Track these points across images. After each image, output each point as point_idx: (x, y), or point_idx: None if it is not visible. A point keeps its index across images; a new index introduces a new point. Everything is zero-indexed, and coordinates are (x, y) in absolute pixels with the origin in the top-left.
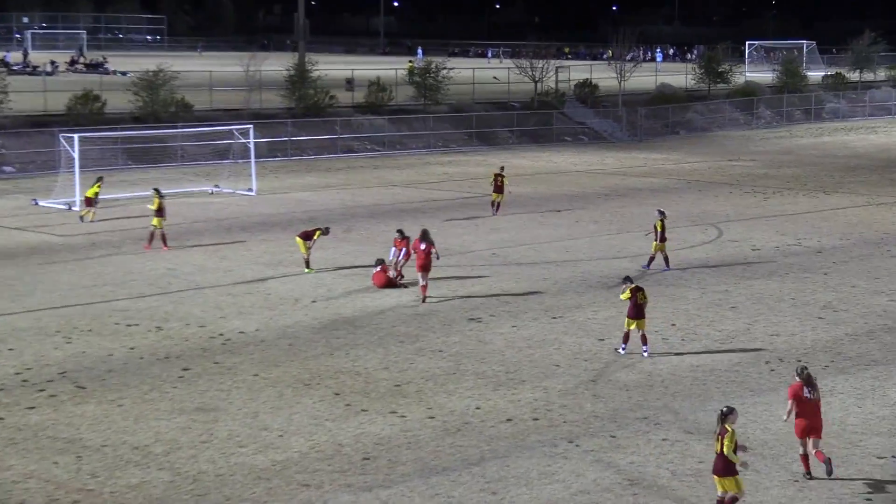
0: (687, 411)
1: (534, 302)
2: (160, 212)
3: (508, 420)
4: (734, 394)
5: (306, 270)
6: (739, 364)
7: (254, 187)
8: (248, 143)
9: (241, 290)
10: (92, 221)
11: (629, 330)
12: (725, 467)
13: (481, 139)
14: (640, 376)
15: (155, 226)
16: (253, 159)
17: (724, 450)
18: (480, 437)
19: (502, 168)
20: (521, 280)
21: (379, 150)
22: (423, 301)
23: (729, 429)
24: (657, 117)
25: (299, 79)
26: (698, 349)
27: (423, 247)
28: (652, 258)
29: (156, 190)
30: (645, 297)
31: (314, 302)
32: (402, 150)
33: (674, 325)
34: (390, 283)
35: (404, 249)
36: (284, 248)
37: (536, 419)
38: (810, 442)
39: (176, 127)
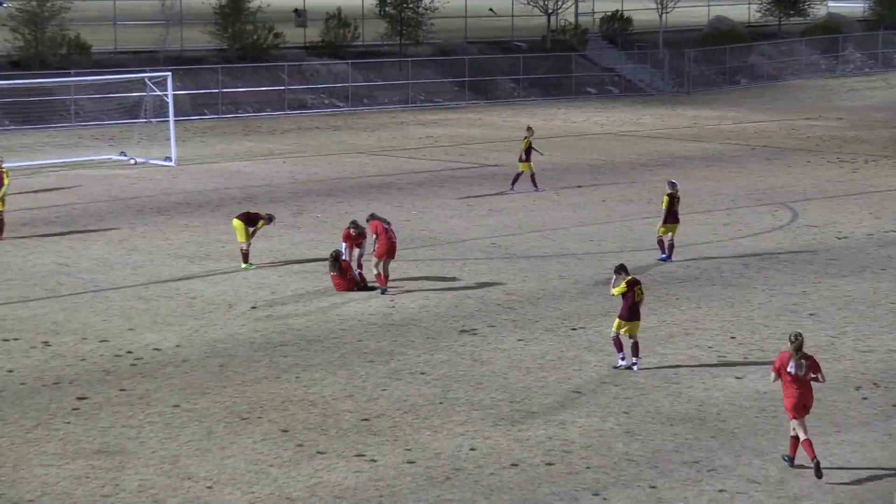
0: (750, 453)
1: (546, 308)
2: None
3: (513, 465)
4: (813, 429)
5: (244, 266)
6: (820, 390)
7: (173, 155)
8: (166, 96)
9: (157, 292)
10: None
11: (619, 334)
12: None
13: (476, 91)
14: (688, 406)
15: None
16: (172, 118)
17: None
18: (476, 488)
19: (530, 130)
20: (529, 279)
21: (340, 106)
22: (383, 292)
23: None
24: (710, 61)
25: (233, 10)
26: (765, 370)
27: (385, 227)
28: (670, 246)
29: None
30: (642, 294)
31: (254, 308)
32: (370, 106)
33: (733, 337)
34: (355, 284)
35: (358, 248)
36: (214, 237)
37: (550, 464)
38: (797, 423)
39: (68, 75)
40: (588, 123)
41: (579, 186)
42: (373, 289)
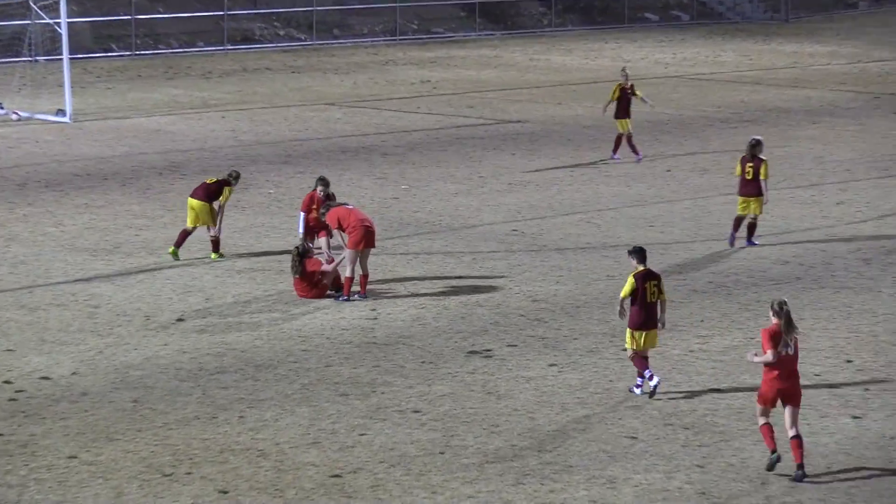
0: None
1: (589, 320)
2: None
3: None
4: None
5: (214, 256)
6: None
7: (68, 108)
8: (58, 25)
9: (45, 298)
10: None
11: (636, 352)
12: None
13: (490, 17)
14: (787, 457)
15: None
16: (66, 56)
17: None
18: None
19: (625, 73)
20: (563, 279)
21: (301, 39)
22: (361, 295)
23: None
24: None
25: None
26: (895, 407)
27: (350, 209)
28: (751, 225)
29: None
30: (662, 293)
31: (181, 320)
32: (343, 39)
33: (850, 361)
34: (323, 288)
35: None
36: (125, 221)
37: None
38: (786, 412)
39: None
40: (646, 63)
41: (634, 153)
42: (344, 296)
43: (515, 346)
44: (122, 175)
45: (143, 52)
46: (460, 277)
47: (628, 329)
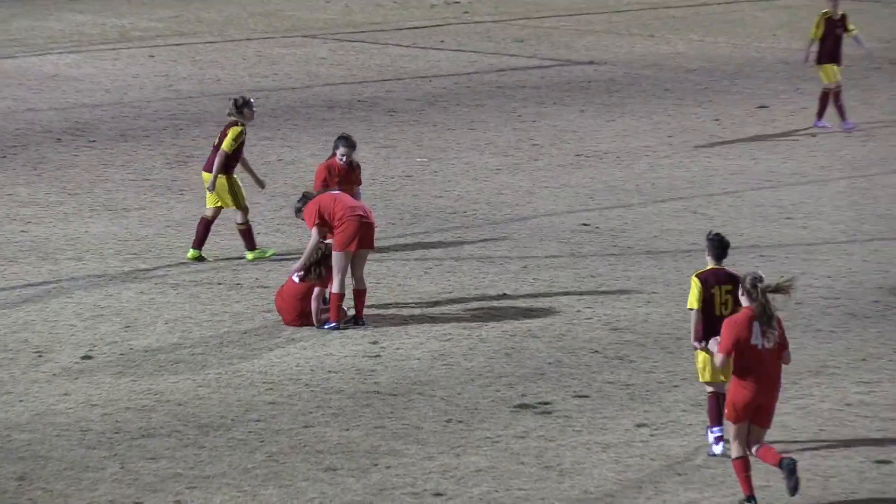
0: None
1: (693, 359)
2: None
3: None
4: None
5: (252, 256)
6: None
7: None
8: None
9: None
10: None
11: (714, 391)
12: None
13: None
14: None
15: None
16: None
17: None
18: None
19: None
20: (657, 297)
21: None
22: (357, 322)
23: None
24: None
25: None
26: None
27: (335, 195)
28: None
29: None
30: (736, 302)
31: (88, 358)
32: None
33: None
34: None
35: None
36: (6, 210)
37: None
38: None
39: None
40: None
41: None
42: (355, 321)
43: (586, 396)
44: (0, 142)
45: None
46: (504, 296)
47: (699, 353)
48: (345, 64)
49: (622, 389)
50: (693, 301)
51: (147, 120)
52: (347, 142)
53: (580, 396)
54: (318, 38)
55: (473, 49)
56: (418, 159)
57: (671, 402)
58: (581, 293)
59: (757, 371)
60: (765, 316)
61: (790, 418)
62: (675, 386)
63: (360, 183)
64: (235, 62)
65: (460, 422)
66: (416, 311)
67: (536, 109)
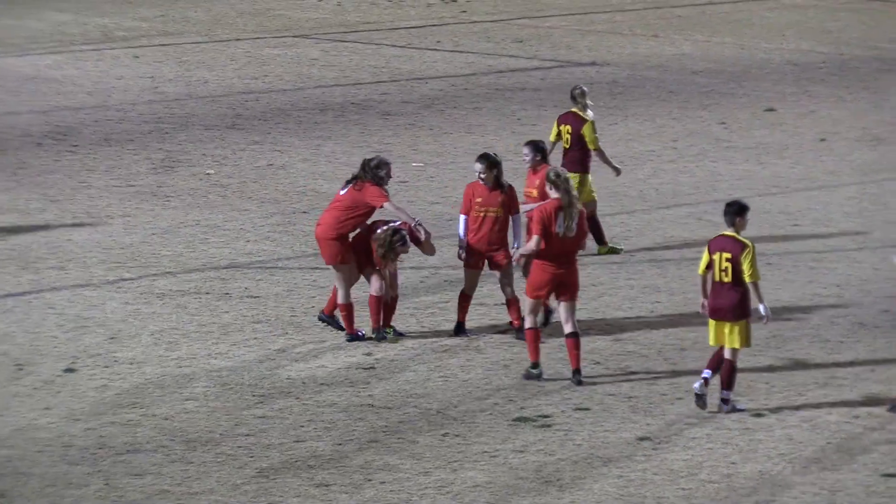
0: None
1: (699, 368)
2: None
3: None
4: None
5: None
6: None
7: None
8: None
9: None
10: None
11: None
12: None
13: None
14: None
15: None
16: None
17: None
18: None
19: None
20: (660, 305)
21: None
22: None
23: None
24: None
25: None
26: None
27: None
28: None
29: None
30: (748, 271)
31: (70, 371)
32: None
33: None
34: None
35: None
36: None
37: None
38: (561, 308)
39: None
40: None
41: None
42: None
43: (587, 409)
44: None
45: None
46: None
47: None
48: (338, 65)
49: (624, 402)
50: (702, 266)
51: (131, 123)
52: (489, 161)
53: (581, 409)
54: (310, 38)
55: (471, 50)
56: (414, 164)
57: (675, 415)
58: (582, 300)
59: (556, 256)
60: (570, 206)
61: (797, 430)
62: (679, 398)
63: (514, 210)
64: (224, 63)
65: (457, 436)
66: (412, 321)
67: (536, 113)
